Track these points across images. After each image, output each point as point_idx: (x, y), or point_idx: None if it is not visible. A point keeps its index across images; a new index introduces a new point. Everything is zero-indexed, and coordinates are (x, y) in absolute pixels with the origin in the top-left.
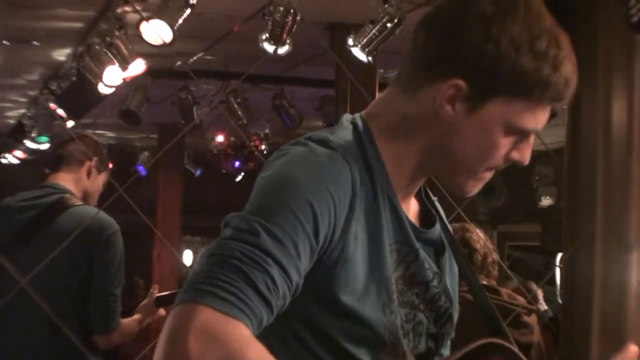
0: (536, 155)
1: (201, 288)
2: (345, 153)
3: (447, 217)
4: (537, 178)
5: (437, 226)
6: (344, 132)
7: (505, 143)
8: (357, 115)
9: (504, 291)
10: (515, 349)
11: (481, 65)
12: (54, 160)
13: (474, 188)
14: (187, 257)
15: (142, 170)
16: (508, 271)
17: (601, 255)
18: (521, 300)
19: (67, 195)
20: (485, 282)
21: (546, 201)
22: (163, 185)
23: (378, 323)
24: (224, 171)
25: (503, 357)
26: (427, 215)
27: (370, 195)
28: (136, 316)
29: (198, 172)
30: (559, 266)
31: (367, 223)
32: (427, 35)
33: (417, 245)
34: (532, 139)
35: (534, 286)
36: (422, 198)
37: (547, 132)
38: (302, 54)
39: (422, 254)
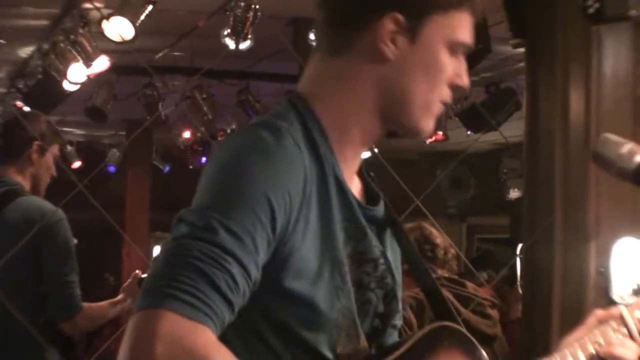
0: (503, 149)
1: (162, 291)
2: (294, 136)
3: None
4: (505, 171)
5: (382, 204)
6: (286, 113)
7: (448, 65)
8: (293, 94)
9: (470, 284)
10: (464, 330)
11: None
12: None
13: (430, 124)
14: (157, 253)
15: (110, 167)
16: (469, 265)
17: (560, 246)
18: (485, 293)
19: (15, 187)
20: (447, 275)
21: (514, 194)
22: (131, 181)
23: (332, 307)
24: (191, 167)
25: (457, 343)
26: (369, 193)
27: (319, 177)
28: (116, 298)
29: (167, 169)
30: (520, 257)
31: (318, 204)
32: None
33: (364, 222)
34: (464, 60)
35: None
36: (363, 176)
37: (510, 125)
38: (267, 49)
39: (369, 231)
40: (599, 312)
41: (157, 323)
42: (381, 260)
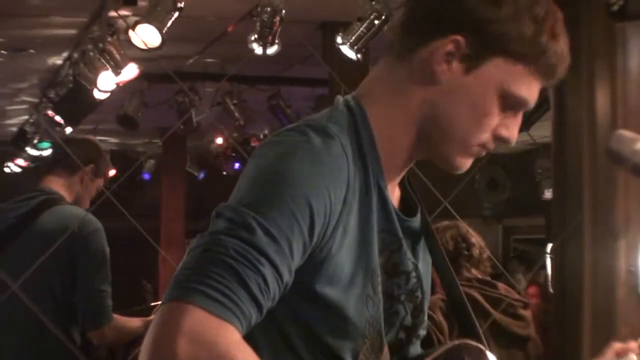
0: (538, 149)
1: (192, 286)
2: (342, 141)
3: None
4: (539, 171)
5: (419, 215)
6: (339, 117)
7: (496, 112)
8: (349, 96)
9: (501, 285)
10: (486, 350)
11: (481, 22)
12: (51, 162)
13: (465, 163)
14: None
15: (145, 175)
16: (501, 268)
17: (590, 244)
18: (517, 295)
19: (53, 196)
20: (479, 277)
21: (548, 194)
22: (166, 189)
23: (361, 316)
24: (224, 173)
25: (473, 358)
26: (408, 203)
27: (363, 185)
28: (149, 317)
29: (201, 176)
30: (550, 256)
31: (359, 214)
32: None
33: (401, 234)
34: (520, 117)
35: None
36: (404, 185)
37: (540, 126)
38: (297, 54)
39: (404, 243)
40: (617, 345)
41: (183, 318)
42: (413, 274)
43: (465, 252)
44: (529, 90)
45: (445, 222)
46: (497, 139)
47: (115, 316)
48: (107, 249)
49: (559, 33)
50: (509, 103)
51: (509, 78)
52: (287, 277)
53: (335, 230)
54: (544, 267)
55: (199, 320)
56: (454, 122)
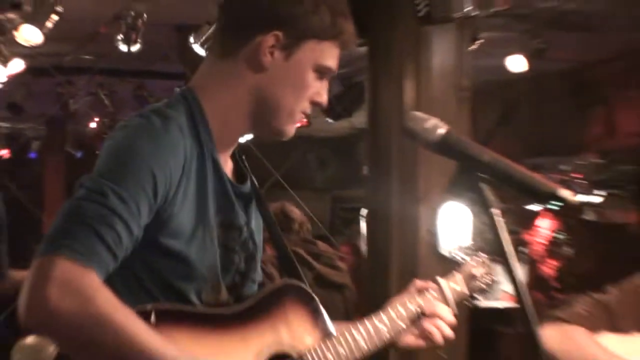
0: (358, 134)
1: (58, 243)
2: (179, 122)
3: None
4: (359, 151)
5: (248, 182)
6: (177, 104)
7: (312, 83)
8: (184, 88)
9: (320, 243)
10: (307, 287)
11: (292, 18)
12: None
13: (292, 129)
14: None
15: (32, 154)
16: (325, 231)
17: (397, 210)
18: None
19: None
20: (304, 238)
21: (366, 170)
22: (49, 166)
23: (201, 263)
24: (97, 152)
25: (299, 296)
26: (239, 172)
27: (199, 158)
28: None
29: (79, 154)
30: (365, 219)
31: (196, 181)
32: (239, 3)
33: (234, 197)
34: (327, 83)
35: None
36: (235, 158)
37: (360, 114)
38: (159, 51)
39: (237, 205)
40: (418, 282)
41: (52, 268)
42: (245, 229)
43: (285, 227)
44: (333, 60)
45: (274, 204)
46: (314, 104)
47: (11, 270)
48: (3, 216)
49: (347, 15)
50: (321, 73)
51: (319, 55)
52: (137, 232)
53: (176, 194)
54: (360, 229)
55: (65, 268)
56: (280, 101)
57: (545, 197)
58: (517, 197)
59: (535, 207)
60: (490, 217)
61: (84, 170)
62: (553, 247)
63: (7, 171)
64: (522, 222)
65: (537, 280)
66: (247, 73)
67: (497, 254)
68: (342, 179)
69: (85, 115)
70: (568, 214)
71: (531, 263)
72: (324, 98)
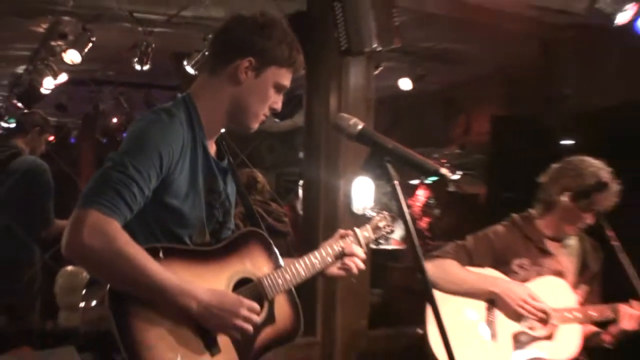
0: (298, 129)
1: (90, 199)
2: (180, 118)
3: (236, 161)
4: (298, 142)
5: (226, 160)
6: (179, 105)
7: (272, 96)
8: (185, 94)
9: (273, 204)
10: (266, 234)
11: (261, 49)
12: (14, 129)
13: (256, 126)
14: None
15: (72, 139)
16: (275, 196)
17: (323, 182)
18: (281, 209)
19: (18, 150)
20: (260, 199)
21: (302, 155)
22: (85, 149)
23: (192, 216)
24: (118, 139)
25: (259, 239)
26: (220, 153)
27: (192, 144)
28: None
29: (104, 141)
30: (301, 188)
31: (190, 159)
32: (226, 38)
33: (216, 170)
34: (282, 96)
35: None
36: (218, 143)
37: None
38: (164, 70)
39: (218, 175)
40: (341, 231)
41: (85, 217)
42: (223, 193)
43: (255, 186)
44: (288, 80)
45: (246, 170)
46: (272, 109)
47: (56, 220)
48: (52, 181)
49: (299, 50)
50: (278, 89)
51: (279, 76)
52: (148, 192)
53: (176, 167)
54: (297, 195)
55: (95, 217)
56: (250, 106)
57: (431, 173)
58: (409, 173)
59: (415, 182)
60: (393, 187)
61: (107, 151)
62: (426, 209)
63: (54, 151)
64: (407, 191)
65: (415, 232)
66: (227, 86)
67: (396, 212)
68: (285, 160)
69: (109, 114)
70: (438, 187)
71: (412, 220)
72: (279, 105)
